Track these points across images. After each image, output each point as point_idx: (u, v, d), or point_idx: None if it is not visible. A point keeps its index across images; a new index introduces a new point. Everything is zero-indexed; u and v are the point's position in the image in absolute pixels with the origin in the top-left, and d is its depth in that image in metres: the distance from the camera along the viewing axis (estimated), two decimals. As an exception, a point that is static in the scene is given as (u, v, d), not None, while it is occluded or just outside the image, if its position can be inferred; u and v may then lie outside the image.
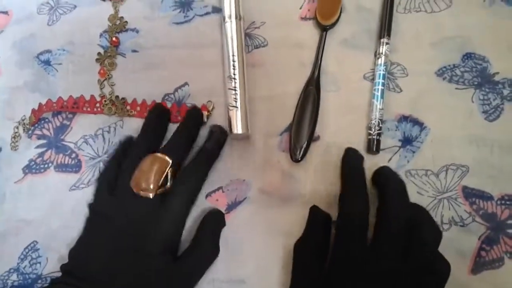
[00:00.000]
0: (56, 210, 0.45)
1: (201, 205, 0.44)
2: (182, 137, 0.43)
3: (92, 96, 0.48)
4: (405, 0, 0.49)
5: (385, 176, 0.40)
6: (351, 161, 0.41)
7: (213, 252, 0.41)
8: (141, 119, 0.47)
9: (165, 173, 0.39)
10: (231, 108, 0.45)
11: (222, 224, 0.43)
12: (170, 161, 0.40)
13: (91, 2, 0.52)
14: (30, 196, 0.46)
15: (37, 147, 0.48)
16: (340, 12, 0.48)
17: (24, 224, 0.46)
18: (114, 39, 0.49)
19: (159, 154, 0.40)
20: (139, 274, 0.37)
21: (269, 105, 0.47)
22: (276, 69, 0.48)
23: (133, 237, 0.38)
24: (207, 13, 0.50)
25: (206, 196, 0.44)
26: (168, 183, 0.40)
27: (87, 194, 0.45)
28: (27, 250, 0.45)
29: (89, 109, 0.47)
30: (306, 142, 0.44)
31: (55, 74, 0.49)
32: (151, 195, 0.39)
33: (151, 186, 0.38)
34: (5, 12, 0.52)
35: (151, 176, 0.38)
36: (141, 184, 0.38)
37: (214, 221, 0.43)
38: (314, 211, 0.41)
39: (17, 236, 0.45)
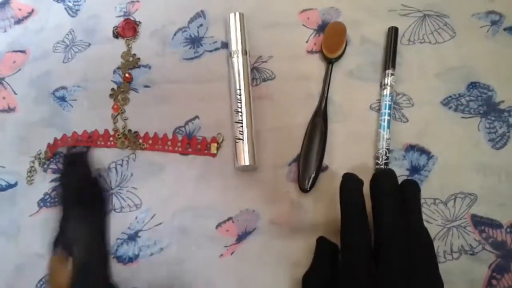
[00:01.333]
0: (70, 242, 0.48)
1: (211, 235, 0.46)
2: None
3: (106, 130, 0.51)
4: (409, 32, 0.52)
5: (377, 188, 0.39)
6: (348, 188, 0.40)
7: None
8: (152, 151, 0.50)
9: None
10: (237, 140, 0.48)
11: None
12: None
13: (104, 40, 0.56)
14: (44, 230, 0.49)
15: (52, 181, 0.51)
16: (346, 45, 0.51)
17: (39, 258, 0.48)
18: (127, 75, 0.52)
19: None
20: None
21: (277, 136, 0.50)
22: (283, 101, 0.51)
23: None
24: (216, 49, 0.54)
25: (217, 227, 0.47)
26: None
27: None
28: (41, 283, 0.47)
29: (102, 143, 0.50)
30: (314, 172, 0.46)
31: (70, 110, 0.53)
32: None
33: None
34: (23, 51, 0.57)
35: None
36: None
37: None
38: (321, 241, 0.42)
39: (32, 269, 0.48)
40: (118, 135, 0.50)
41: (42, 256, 0.48)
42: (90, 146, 0.51)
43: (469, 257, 0.43)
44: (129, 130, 0.51)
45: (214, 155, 0.49)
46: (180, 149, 0.50)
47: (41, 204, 0.50)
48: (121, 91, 0.52)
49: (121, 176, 0.50)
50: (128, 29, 0.54)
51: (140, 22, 0.56)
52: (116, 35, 0.55)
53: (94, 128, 0.51)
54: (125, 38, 0.55)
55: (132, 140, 0.50)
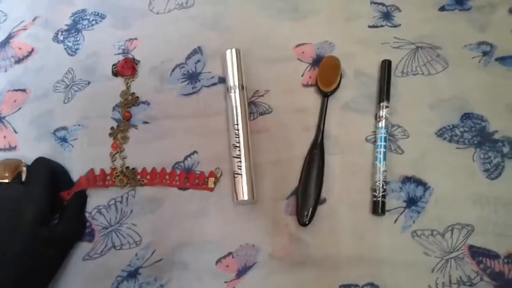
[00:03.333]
0: (70, 280, 0.50)
1: (212, 270, 0.49)
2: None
3: (101, 171, 0.53)
4: (402, 64, 0.55)
5: None
6: None
7: (78, 225, 0.52)
8: (151, 187, 0.53)
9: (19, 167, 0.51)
10: (236, 175, 0.50)
11: (84, 202, 0.53)
12: (22, 161, 0.52)
13: (104, 78, 0.59)
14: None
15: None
16: (340, 78, 0.54)
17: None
18: (126, 113, 0.56)
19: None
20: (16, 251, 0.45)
21: (275, 169, 0.52)
22: (281, 134, 0.54)
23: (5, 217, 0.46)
24: (213, 84, 0.57)
25: (216, 262, 0.49)
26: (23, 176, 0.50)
27: (101, 264, 0.50)
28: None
29: (101, 183, 0.53)
30: (313, 206, 0.49)
31: (71, 150, 0.56)
32: (7, 180, 0.49)
33: (6, 174, 0.50)
34: (24, 90, 0.60)
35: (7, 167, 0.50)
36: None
37: (77, 201, 0.53)
38: None
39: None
40: (116, 173, 0.53)
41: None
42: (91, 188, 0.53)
43: (468, 288, 0.45)
44: (127, 167, 0.54)
45: (211, 189, 0.52)
46: (178, 183, 0.52)
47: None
48: (121, 130, 0.55)
49: (121, 213, 0.52)
50: (127, 68, 0.58)
51: (139, 61, 0.59)
52: (115, 73, 0.59)
53: (93, 165, 0.54)
54: (124, 77, 0.58)
55: (130, 177, 0.53)
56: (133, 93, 0.57)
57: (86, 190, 0.53)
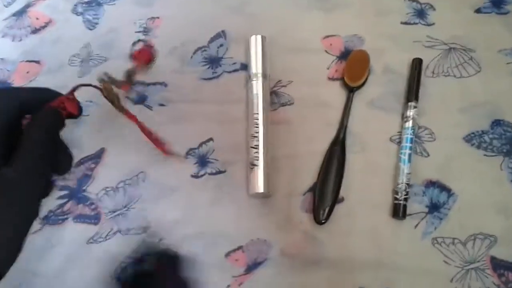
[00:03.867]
0: (72, 263, 0.48)
1: (220, 263, 0.47)
2: None
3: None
4: (433, 64, 0.53)
5: None
6: None
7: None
8: (162, 170, 0.51)
9: None
10: (252, 166, 0.49)
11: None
12: None
13: (122, 55, 0.57)
14: (46, 248, 0.50)
15: (59, 198, 0.52)
16: (368, 74, 0.53)
17: (39, 277, 0.49)
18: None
19: None
20: None
21: (293, 163, 0.51)
22: (301, 127, 0.52)
23: None
24: (235, 70, 0.55)
25: (226, 255, 0.48)
26: None
27: (105, 248, 0.49)
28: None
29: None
30: (330, 204, 0.47)
31: (82, 126, 0.54)
32: None
33: None
34: (37, 62, 0.59)
35: None
36: None
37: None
38: None
39: None
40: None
41: (43, 275, 0.48)
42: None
43: (488, 301, 0.43)
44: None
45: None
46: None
47: (44, 221, 0.51)
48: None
49: (129, 196, 0.51)
50: (143, 57, 0.54)
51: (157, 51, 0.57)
52: (131, 57, 0.56)
53: (105, 145, 0.53)
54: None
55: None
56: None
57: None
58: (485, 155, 0.49)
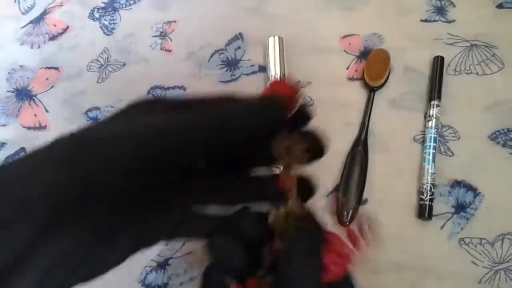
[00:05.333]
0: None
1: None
2: None
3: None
4: (455, 62, 0.52)
5: None
6: None
7: None
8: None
9: None
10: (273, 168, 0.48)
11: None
12: None
13: (140, 60, 0.58)
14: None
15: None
16: (389, 73, 0.52)
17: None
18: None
19: None
20: None
21: (314, 165, 0.50)
22: (321, 128, 0.52)
23: None
24: (253, 72, 0.55)
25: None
26: None
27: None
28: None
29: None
30: (354, 206, 0.47)
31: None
32: None
33: None
34: (56, 68, 0.59)
35: None
36: None
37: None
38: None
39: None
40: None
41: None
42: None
43: (518, 303, 0.43)
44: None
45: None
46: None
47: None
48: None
49: (152, 200, 0.51)
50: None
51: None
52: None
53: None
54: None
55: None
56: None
57: None
58: (511, 153, 0.48)
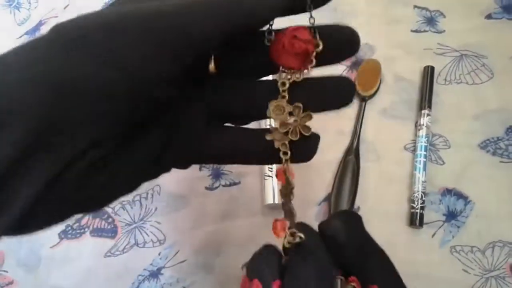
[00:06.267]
0: (90, 277, 0.48)
1: (237, 275, 0.46)
2: None
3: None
4: (445, 72, 0.53)
5: None
6: None
7: None
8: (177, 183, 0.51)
9: None
10: (266, 177, 0.48)
11: None
12: None
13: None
14: (64, 262, 0.50)
15: (75, 211, 0.52)
16: (380, 83, 0.52)
17: (58, 290, 0.49)
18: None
19: None
20: None
21: (306, 173, 0.50)
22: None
23: None
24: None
25: (243, 267, 0.47)
26: None
27: (122, 262, 0.48)
28: (59, 318, 0.48)
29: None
30: (346, 214, 0.47)
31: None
32: None
33: None
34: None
35: None
36: None
37: None
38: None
39: (50, 303, 0.48)
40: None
41: (60, 289, 0.48)
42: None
43: (510, 310, 0.42)
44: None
45: None
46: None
47: (62, 235, 0.51)
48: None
49: (145, 209, 0.51)
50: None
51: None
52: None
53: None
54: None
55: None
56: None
57: None
58: (501, 161, 0.48)
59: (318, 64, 0.26)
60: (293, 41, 0.25)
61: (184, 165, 0.29)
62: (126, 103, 0.22)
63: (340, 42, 0.28)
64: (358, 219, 0.28)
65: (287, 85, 0.26)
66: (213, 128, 0.28)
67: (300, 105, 0.26)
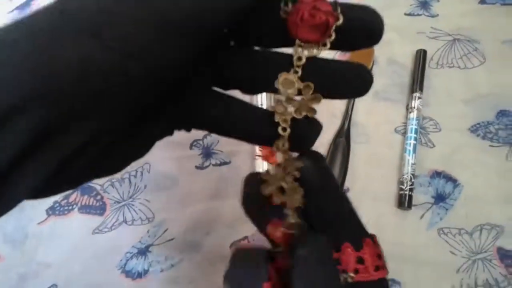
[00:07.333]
0: (77, 253, 0.48)
1: (225, 254, 0.46)
2: None
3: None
4: (438, 56, 0.52)
5: None
6: None
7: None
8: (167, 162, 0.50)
9: None
10: (257, 157, 0.48)
11: None
12: None
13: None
14: (52, 238, 0.49)
15: (63, 188, 0.51)
16: (372, 65, 0.52)
17: (45, 267, 0.48)
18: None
19: None
20: None
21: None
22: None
23: None
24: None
25: (231, 246, 0.47)
26: None
27: (110, 239, 0.48)
28: (45, 293, 0.47)
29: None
30: (335, 195, 0.46)
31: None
32: None
33: None
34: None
35: None
36: None
37: None
38: None
39: (37, 278, 0.48)
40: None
41: (48, 265, 0.48)
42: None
43: (495, 292, 0.42)
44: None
45: None
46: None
47: (50, 212, 0.50)
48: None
49: (134, 187, 0.50)
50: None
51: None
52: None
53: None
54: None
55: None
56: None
57: None
58: (490, 145, 0.48)
59: (332, 47, 0.24)
60: (314, 12, 0.23)
61: (187, 128, 0.28)
62: (142, 90, 0.21)
63: (363, 23, 0.25)
64: (324, 159, 0.27)
65: (303, 60, 0.25)
66: (215, 93, 0.27)
67: (312, 85, 0.25)
